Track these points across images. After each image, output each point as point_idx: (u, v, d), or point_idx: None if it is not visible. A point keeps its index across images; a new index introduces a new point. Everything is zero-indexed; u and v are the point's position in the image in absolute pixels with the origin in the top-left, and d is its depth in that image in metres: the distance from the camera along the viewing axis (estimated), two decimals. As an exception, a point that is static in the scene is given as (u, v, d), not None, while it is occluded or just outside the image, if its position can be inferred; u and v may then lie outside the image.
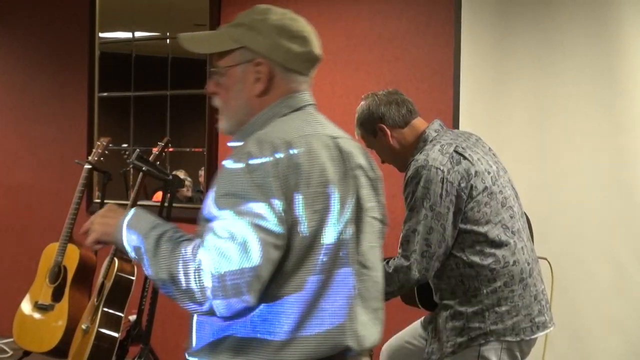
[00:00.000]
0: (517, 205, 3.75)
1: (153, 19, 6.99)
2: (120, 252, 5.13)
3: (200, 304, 2.37)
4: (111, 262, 5.10)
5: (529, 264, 3.67)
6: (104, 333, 4.95)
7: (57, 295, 5.65)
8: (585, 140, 4.65)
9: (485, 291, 3.60)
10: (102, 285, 5.10)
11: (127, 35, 7.15)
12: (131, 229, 2.55)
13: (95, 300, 5.12)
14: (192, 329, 2.59)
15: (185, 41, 2.74)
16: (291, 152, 2.46)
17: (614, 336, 4.54)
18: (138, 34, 7.11)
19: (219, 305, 2.37)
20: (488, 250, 3.59)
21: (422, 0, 5.65)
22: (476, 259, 3.59)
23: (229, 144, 2.72)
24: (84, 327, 5.13)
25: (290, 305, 2.48)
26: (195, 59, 6.60)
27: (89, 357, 4.95)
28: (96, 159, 5.87)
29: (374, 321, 2.66)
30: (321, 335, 2.51)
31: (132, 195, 5.38)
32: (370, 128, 3.82)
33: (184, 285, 2.36)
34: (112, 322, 4.98)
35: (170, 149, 6.18)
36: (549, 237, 4.16)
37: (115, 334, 4.94)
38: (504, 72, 4.91)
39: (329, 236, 2.50)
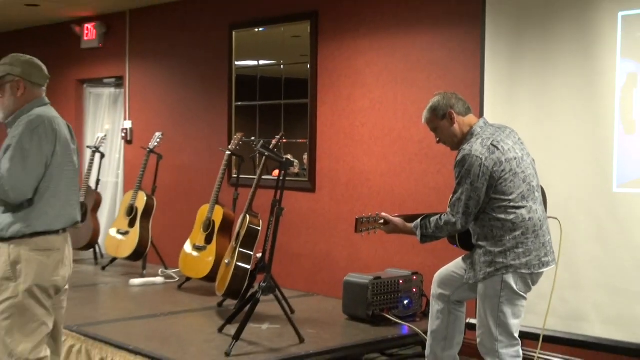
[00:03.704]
0: (535, 181, 3.75)
1: (271, 51, 7.02)
2: (251, 210, 5.20)
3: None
4: (244, 217, 5.16)
5: (540, 220, 3.69)
6: (240, 266, 5.01)
7: (208, 240, 5.76)
8: (572, 131, 4.57)
9: (508, 237, 3.63)
10: (238, 233, 5.17)
11: (254, 63, 7.17)
12: None
13: (234, 243, 5.19)
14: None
15: None
16: (50, 121, 3.28)
17: (591, 270, 4.49)
18: (262, 62, 7.12)
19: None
20: (511, 210, 3.62)
21: (458, 34, 5.60)
22: (502, 216, 3.63)
23: (8, 127, 3.42)
24: (226, 261, 5.20)
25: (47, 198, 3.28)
26: (301, 79, 6.62)
27: (230, 282, 5.02)
28: (234, 147, 5.95)
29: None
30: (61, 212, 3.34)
31: (258, 172, 5.44)
32: (442, 112, 3.79)
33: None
34: (245, 258, 5.04)
35: (284, 140, 6.22)
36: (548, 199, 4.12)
37: (248, 267, 5.00)
38: (515, 86, 4.84)
39: (71, 162, 3.39)
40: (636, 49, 4.29)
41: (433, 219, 3.78)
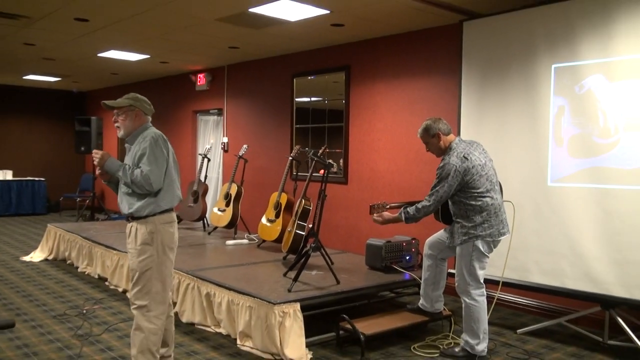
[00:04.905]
0: (495, 178, 3.71)
1: (319, 91, 7.03)
2: (305, 196, 5.22)
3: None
4: (301, 200, 5.18)
5: (499, 205, 3.66)
6: (298, 233, 5.03)
7: (277, 215, 5.78)
8: (520, 143, 4.49)
9: (477, 217, 3.61)
10: (297, 211, 5.19)
11: (307, 99, 7.16)
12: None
13: (294, 217, 5.22)
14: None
15: (108, 103, 3.21)
16: (162, 136, 3.19)
17: (533, 238, 4.40)
18: (313, 99, 7.10)
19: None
20: (479, 198, 3.59)
21: (442, 78, 5.55)
22: (472, 202, 3.60)
23: (127, 143, 3.29)
24: (289, 229, 5.21)
25: (167, 187, 3.21)
26: (338, 110, 6.62)
27: (291, 243, 5.04)
28: (294, 154, 5.96)
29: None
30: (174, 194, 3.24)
31: (310, 171, 5.45)
32: (432, 133, 3.75)
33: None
34: (301, 227, 5.07)
35: (327, 150, 6.20)
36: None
37: (303, 233, 5.02)
38: (482, 114, 4.77)
39: (175, 161, 3.25)
40: (564, 89, 4.22)
41: (412, 207, 3.75)
